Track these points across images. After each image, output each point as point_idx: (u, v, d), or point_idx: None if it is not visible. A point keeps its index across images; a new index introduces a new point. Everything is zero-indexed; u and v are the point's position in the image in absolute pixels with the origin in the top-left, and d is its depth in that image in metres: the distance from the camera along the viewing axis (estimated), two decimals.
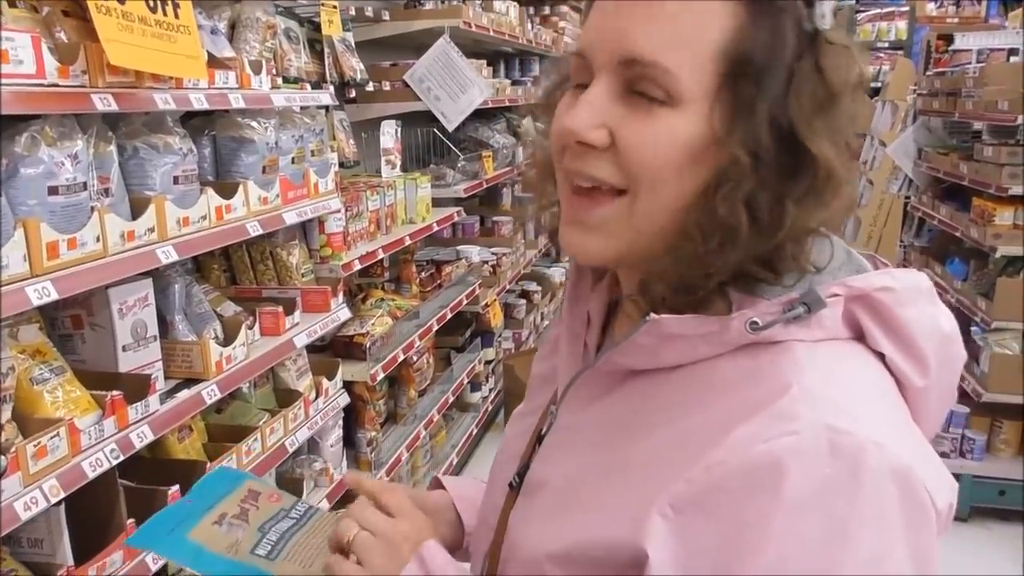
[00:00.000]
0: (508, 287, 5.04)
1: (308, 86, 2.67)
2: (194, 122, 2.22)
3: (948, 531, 0.68)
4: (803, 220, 0.69)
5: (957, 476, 0.71)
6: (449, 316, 3.75)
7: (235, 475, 1.01)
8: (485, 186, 4.59)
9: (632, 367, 0.77)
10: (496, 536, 0.85)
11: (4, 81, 1.40)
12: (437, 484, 1.07)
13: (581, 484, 0.75)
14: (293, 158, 2.46)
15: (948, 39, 5.40)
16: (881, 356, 0.71)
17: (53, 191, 1.56)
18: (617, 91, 0.71)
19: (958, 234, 4.06)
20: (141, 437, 1.76)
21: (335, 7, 2.96)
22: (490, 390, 4.69)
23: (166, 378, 1.98)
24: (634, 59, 0.69)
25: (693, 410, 0.70)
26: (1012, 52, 4.69)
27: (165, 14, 1.76)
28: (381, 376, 2.99)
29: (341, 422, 2.89)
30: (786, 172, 0.68)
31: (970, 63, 4.80)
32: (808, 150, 0.68)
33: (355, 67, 3.18)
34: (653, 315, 0.71)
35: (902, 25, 8.00)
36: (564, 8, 6.84)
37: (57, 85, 1.52)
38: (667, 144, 0.69)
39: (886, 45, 8.06)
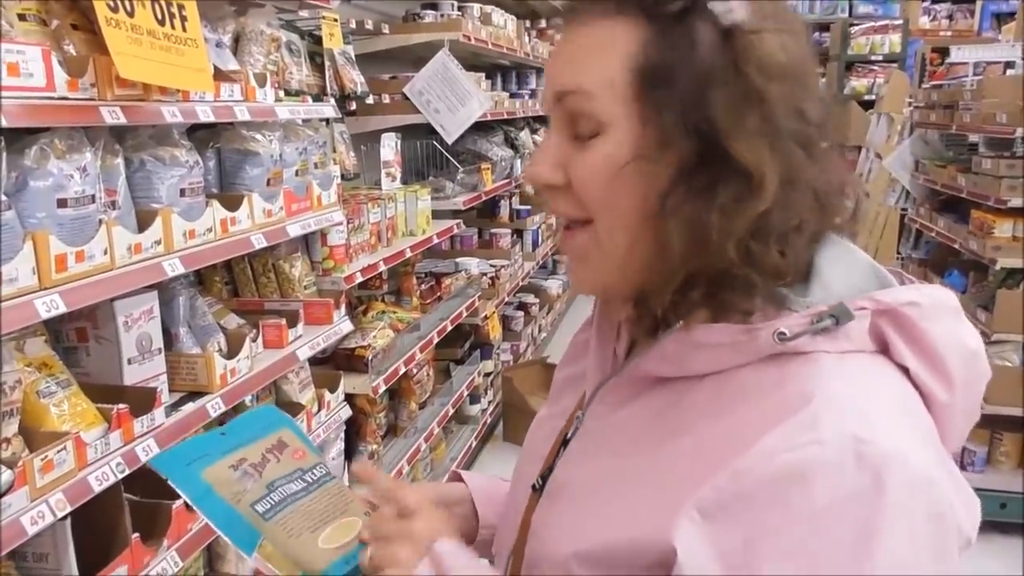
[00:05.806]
0: (506, 299, 5.04)
1: (309, 99, 2.67)
2: (199, 135, 2.21)
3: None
4: (737, 226, 0.68)
5: None
6: (449, 328, 3.75)
7: (277, 418, 0.99)
8: (484, 198, 4.60)
9: (659, 374, 0.78)
10: (519, 536, 0.86)
11: (14, 94, 1.40)
12: (455, 478, 1.08)
13: (605, 487, 0.77)
14: (296, 170, 2.46)
15: (943, 52, 5.43)
16: (906, 371, 0.71)
17: (62, 204, 1.55)
18: (567, 135, 0.76)
19: (956, 246, 4.07)
20: (146, 451, 1.74)
21: (336, 20, 2.97)
22: (489, 402, 4.68)
23: (170, 391, 1.96)
24: (562, 91, 0.75)
25: (718, 417, 0.71)
26: (1008, 65, 4.71)
27: (173, 27, 1.76)
28: (383, 389, 2.98)
29: (343, 435, 2.87)
30: (718, 179, 0.69)
31: (966, 76, 4.83)
32: (729, 153, 0.68)
33: (355, 80, 3.18)
34: (681, 323, 0.73)
35: (896, 38, 8.04)
36: (561, 22, 6.87)
37: (66, 98, 1.51)
38: (603, 170, 0.73)
39: (880, 58, 8.08)
